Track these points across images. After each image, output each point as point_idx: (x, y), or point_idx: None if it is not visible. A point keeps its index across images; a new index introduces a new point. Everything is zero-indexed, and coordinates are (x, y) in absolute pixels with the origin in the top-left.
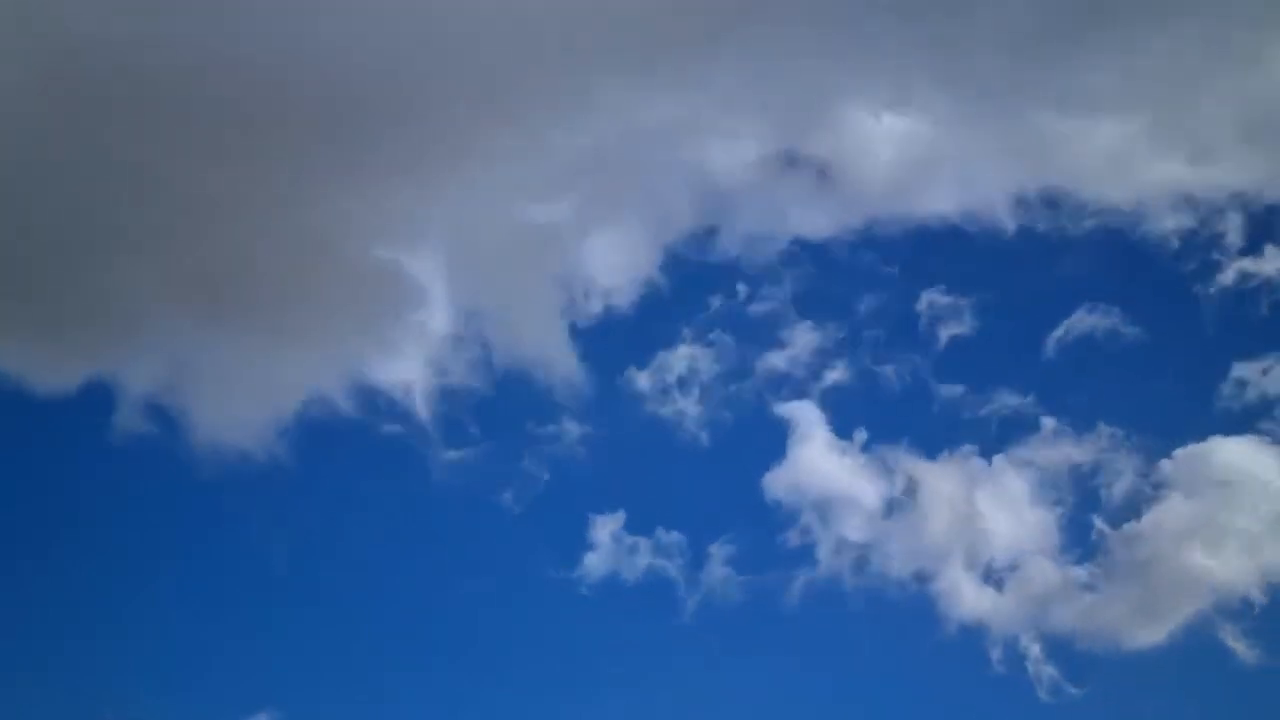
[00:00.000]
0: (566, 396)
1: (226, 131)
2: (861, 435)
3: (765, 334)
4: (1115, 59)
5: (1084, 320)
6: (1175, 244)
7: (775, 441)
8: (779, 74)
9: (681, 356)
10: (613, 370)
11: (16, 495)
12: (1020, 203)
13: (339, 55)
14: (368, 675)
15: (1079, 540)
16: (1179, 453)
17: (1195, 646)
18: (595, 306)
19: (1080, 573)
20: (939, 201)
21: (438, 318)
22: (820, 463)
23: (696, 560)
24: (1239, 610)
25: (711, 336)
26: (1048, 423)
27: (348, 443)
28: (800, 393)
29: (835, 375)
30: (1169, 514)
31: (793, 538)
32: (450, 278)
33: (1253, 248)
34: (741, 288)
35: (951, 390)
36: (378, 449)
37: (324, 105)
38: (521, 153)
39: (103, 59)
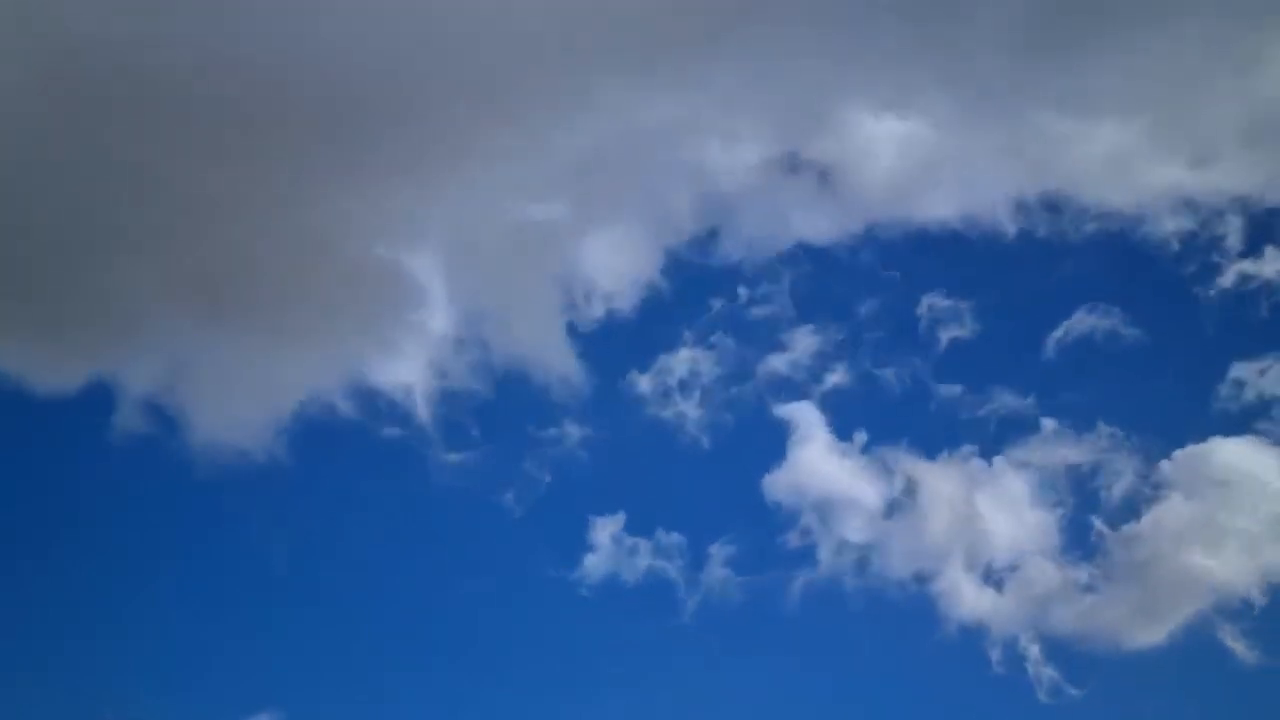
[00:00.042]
0: (567, 398)
1: (226, 131)
2: (862, 436)
3: (766, 336)
4: (1115, 61)
5: (1084, 321)
6: (1175, 246)
7: (775, 443)
8: (780, 75)
9: (682, 359)
10: (614, 373)
11: (16, 495)
12: (1021, 205)
13: (339, 55)
14: (368, 676)
15: (1079, 541)
16: (1178, 453)
17: (1195, 647)
18: (597, 310)
19: (1080, 573)
20: (939, 204)
21: (437, 318)
22: (820, 464)
23: (696, 561)
24: (1239, 610)
25: (712, 339)
26: (1048, 424)
27: (347, 443)
28: (801, 394)
29: (836, 377)
30: (1169, 514)
31: (793, 539)
32: (450, 278)
33: (1252, 250)
34: (742, 290)
35: (951, 391)
36: (378, 450)
37: (324, 105)
38: (521, 153)
39: (103, 59)
